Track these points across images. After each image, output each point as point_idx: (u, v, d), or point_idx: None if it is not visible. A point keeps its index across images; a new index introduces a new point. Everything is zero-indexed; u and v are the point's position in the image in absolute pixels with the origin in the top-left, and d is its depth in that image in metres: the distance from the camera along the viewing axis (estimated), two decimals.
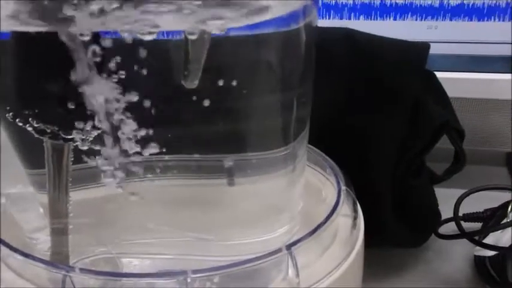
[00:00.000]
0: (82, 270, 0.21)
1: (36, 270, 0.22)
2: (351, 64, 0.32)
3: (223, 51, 0.21)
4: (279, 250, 0.21)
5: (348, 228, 0.25)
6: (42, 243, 0.24)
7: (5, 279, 0.23)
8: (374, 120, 0.33)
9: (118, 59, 0.19)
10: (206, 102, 0.21)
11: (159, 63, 0.20)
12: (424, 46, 0.32)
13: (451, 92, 0.39)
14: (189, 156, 0.23)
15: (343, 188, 0.26)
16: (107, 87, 0.19)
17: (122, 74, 0.19)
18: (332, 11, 0.43)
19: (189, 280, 0.21)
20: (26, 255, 0.22)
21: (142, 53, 0.19)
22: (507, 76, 0.41)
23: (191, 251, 0.26)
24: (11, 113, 0.21)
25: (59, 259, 0.24)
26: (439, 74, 0.38)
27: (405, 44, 0.33)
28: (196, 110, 0.21)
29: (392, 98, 0.32)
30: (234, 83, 0.21)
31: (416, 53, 0.32)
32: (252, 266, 0.21)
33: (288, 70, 0.23)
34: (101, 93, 0.19)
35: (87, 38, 0.17)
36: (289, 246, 0.21)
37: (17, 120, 0.20)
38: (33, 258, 0.22)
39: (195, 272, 0.21)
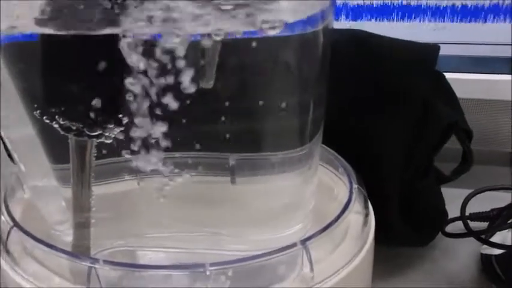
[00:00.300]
0: (106, 261, 0.21)
1: (60, 262, 0.23)
2: (360, 65, 0.33)
3: (244, 53, 0.21)
4: (294, 245, 0.22)
5: (359, 225, 0.26)
6: (66, 235, 0.25)
7: (30, 270, 0.23)
8: (383, 121, 0.33)
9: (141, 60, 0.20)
10: (227, 103, 0.22)
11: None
12: (434, 47, 0.32)
13: (458, 93, 0.40)
14: (209, 154, 0.24)
15: (355, 186, 0.26)
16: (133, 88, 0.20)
17: (146, 75, 0.20)
18: (340, 13, 0.43)
19: (207, 273, 0.21)
20: (51, 246, 0.23)
21: (164, 54, 0.20)
22: None
23: (206, 246, 0.27)
24: (38, 111, 0.21)
25: (80, 251, 0.24)
26: (446, 75, 0.38)
27: (415, 45, 0.33)
28: (218, 110, 0.22)
29: (402, 99, 0.33)
30: (255, 84, 0.22)
31: (426, 54, 0.33)
32: (268, 260, 0.22)
33: (306, 72, 0.24)
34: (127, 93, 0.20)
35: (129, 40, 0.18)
36: (303, 241, 0.22)
37: (44, 117, 0.21)
38: (59, 250, 0.22)
39: (212, 264, 0.21)
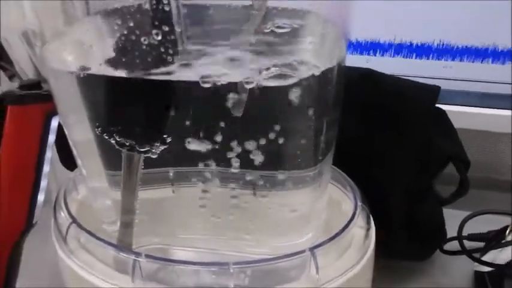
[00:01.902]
0: (147, 255, 0.24)
1: (107, 253, 0.26)
2: (371, 101, 0.35)
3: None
4: (303, 251, 0.24)
5: (361, 238, 0.28)
6: (112, 230, 0.28)
7: (82, 258, 0.26)
8: (391, 152, 0.35)
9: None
10: (251, 129, 0.24)
11: (217, 100, 0.24)
12: (436, 88, 0.34)
13: (463, 125, 0.42)
14: (236, 170, 0.26)
15: (359, 203, 0.28)
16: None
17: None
18: (360, 49, 0.46)
19: (231, 270, 0.24)
20: (104, 241, 0.26)
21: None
22: None
23: (229, 248, 0.29)
24: (99, 128, 0.24)
25: (123, 246, 0.27)
26: (453, 108, 0.41)
27: (419, 86, 0.35)
28: (243, 134, 0.25)
29: (407, 132, 0.34)
30: (276, 113, 0.24)
31: (428, 93, 0.34)
32: (282, 262, 0.24)
33: (322, 103, 0.25)
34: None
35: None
36: (312, 249, 0.24)
37: (104, 134, 0.24)
38: (110, 244, 0.25)
39: (235, 263, 0.24)
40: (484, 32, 0.43)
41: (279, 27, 0.23)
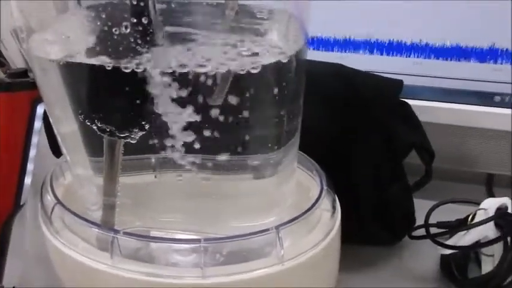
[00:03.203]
0: (125, 233, 0.26)
1: (90, 232, 0.27)
2: (339, 93, 0.36)
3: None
4: (269, 229, 0.26)
5: (327, 220, 0.29)
6: (96, 214, 0.29)
7: (66, 237, 0.27)
8: (358, 141, 0.37)
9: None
10: (222, 117, 0.25)
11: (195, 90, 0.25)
12: (398, 82, 0.36)
13: (434, 119, 0.43)
14: (207, 156, 0.27)
15: (325, 188, 0.30)
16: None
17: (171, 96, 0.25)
18: (336, 46, 0.46)
19: (202, 248, 0.25)
20: (86, 220, 0.27)
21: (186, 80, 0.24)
22: (487, 109, 0.45)
23: (204, 229, 0.30)
24: (82, 115, 0.25)
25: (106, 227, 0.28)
26: (421, 103, 0.42)
27: (385, 79, 0.36)
28: (215, 122, 0.26)
29: (373, 123, 0.36)
30: (240, 102, 0.25)
31: (392, 87, 0.36)
32: (249, 239, 0.25)
33: (282, 90, 0.26)
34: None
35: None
36: (277, 227, 0.26)
37: (86, 120, 0.25)
38: (91, 222, 0.27)
39: (205, 240, 0.25)
40: (454, 32, 0.44)
41: (247, 22, 0.24)
